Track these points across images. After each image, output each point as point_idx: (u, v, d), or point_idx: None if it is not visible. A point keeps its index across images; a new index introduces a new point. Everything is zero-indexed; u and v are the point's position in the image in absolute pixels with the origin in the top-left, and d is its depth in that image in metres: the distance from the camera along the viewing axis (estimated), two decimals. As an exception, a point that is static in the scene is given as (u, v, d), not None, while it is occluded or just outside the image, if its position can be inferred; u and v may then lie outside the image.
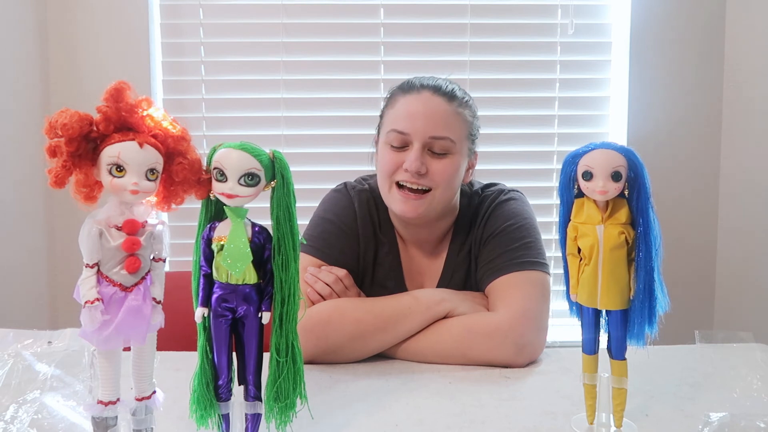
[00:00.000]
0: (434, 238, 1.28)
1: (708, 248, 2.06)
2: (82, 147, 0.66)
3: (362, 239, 1.26)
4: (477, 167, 1.30)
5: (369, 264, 1.27)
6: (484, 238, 1.23)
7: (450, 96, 1.18)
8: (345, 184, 1.32)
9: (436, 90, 1.18)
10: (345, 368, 1.08)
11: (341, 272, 1.19)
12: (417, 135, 1.15)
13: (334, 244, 1.24)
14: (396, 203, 1.18)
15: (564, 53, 2.04)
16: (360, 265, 1.26)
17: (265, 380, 0.76)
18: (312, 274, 1.18)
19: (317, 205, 1.32)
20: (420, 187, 1.16)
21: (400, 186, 1.18)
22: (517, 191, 1.29)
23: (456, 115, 1.18)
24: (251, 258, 0.72)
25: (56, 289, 1.97)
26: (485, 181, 1.34)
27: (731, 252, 2.02)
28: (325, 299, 1.15)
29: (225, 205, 0.73)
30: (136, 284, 0.68)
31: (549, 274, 1.19)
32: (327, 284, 1.16)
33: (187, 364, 0.83)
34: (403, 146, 1.17)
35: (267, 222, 0.75)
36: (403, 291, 1.24)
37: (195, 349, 0.77)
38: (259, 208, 0.77)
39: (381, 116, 1.26)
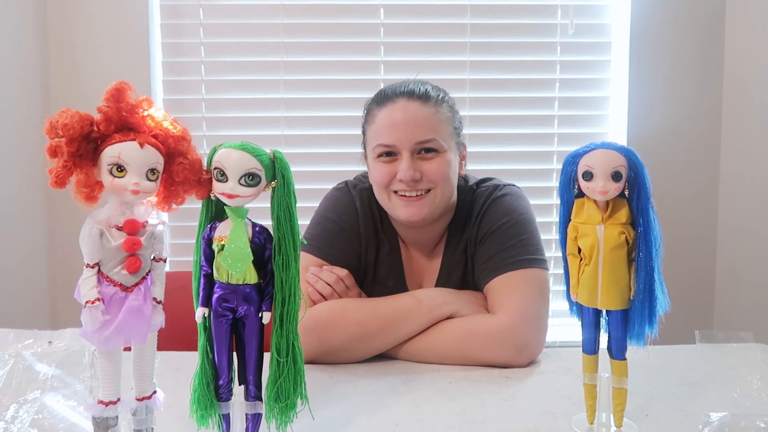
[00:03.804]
0: (433, 238, 1.28)
1: (708, 248, 2.06)
2: (83, 147, 0.66)
3: (364, 238, 1.26)
4: (478, 168, 1.30)
5: (370, 262, 1.27)
6: (480, 237, 1.23)
7: (425, 97, 1.19)
8: (346, 182, 1.33)
9: (410, 95, 1.18)
10: (345, 368, 1.08)
11: (342, 272, 1.19)
12: (403, 144, 1.16)
13: (335, 243, 1.24)
14: (399, 210, 1.19)
15: (564, 53, 2.04)
16: (361, 264, 1.26)
17: (266, 380, 0.76)
18: (313, 273, 1.18)
19: (318, 204, 1.32)
20: (418, 192, 1.17)
21: (397, 193, 1.18)
22: (513, 185, 1.28)
23: (435, 114, 1.18)
24: (252, 258, 0.72)
25: (56, 289, 1.97)
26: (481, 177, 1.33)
27: (731, 252, 2.02)
28: (326, 299, 1.15)
29: (225, 205, 0.73)
30: (136, 284, 0.68)
31: (547, 269, 1.19)
32: (328, 284, 1.17)
33: (188, 364, 0.83)
34: (392, 157, 1.18)
35: (267, 222, 0.75)
36: (403, 289, 1.24)
37: (195, 349, 0.77)
38: (260, 208, 0.77)
39: (363, 133, 1.26)
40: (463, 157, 1.27)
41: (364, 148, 1.27)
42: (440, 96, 1.21)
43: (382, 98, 1.21)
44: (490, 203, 1.24)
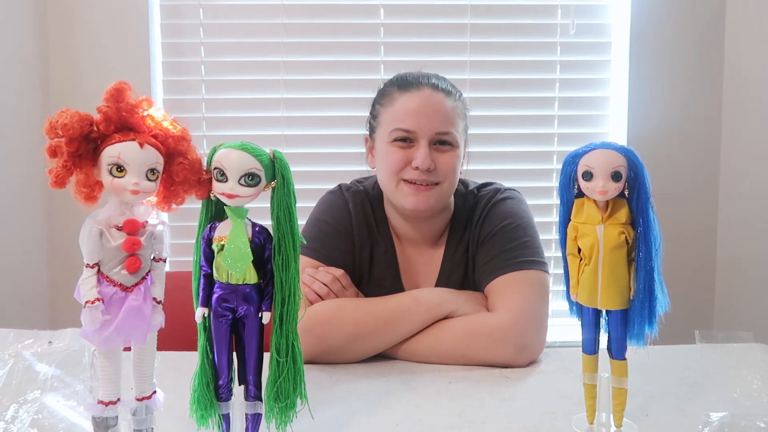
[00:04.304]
0: (432, 235, 1.28)
1: (708, 248, 2.06)
2: (83, 147, 0.66)
3: (357, 238, 1.26)
4: (477, 168, 1.30)
5: (365, 263, 1.27)
6: (482, 238, 1.23)
7: (447, 92, 1.20)
8: (339, 185, 1.33)
9: (435, 87, 1.19)
10: (345, 368, 1.08)
11: (338, 272, 1.19)
12: (423, 132, 1.16)
13: (330, 244, 1.24)
14: (406, 198, 1.19)
15: (564, 53, 2.04)
16: (356, 265, 1.26)
17: (266, 380, 0.76)
18: (309, 274, 1.18)
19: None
20: (428, 183, 1.17)
21: (406, 180, 1.19)
22: (514, 190, 1.29)
23: (455, 109, 1.20)
24: (251, 258, 0.72)
25: (56, 289, 1.97)
26: (482, 181, 1.34)
27: (731, 252, 2.02)
28: (323, 299, 1.15)
29: (225, 205, 0.73)
30: (136, 284, 0.68)
31: (547, 272, 1.19)
32: (324, 284, 1.17)
33: (188, 364, 0.83)
34: (408, 143, 1.18)
35: (267, 222, 0.75)
36: (400, 290, 1.25)
37: (195, 349, 0.77)
38: (259, 208, 0.77)
39: (374, 115, 1.26)
40: (465, 154, 1.27)
41: (372, 130, 1.26)
42: (458, 94, 1.23)
43: (405, 83, 1.21)
44: (492, 206, 1.25)
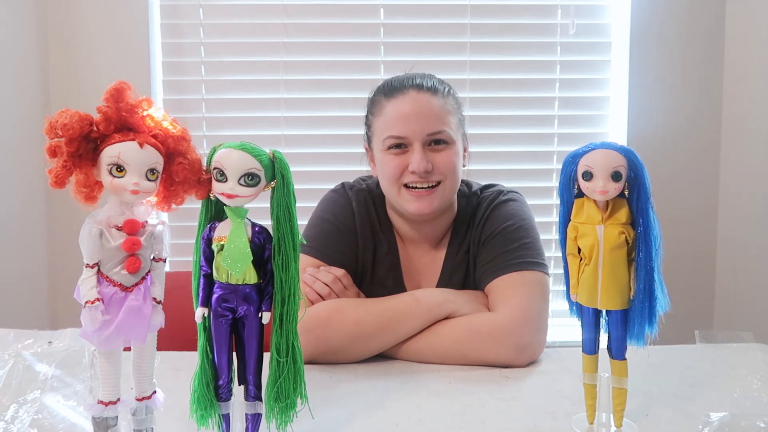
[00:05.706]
0: (435, 236, 1.28)
1: (708, 248, 2.05)
2: (83, 147, 0.66)
3: (361, 238, 1.26)
4: (477, 168, 1.30)
5: (368, 263, 1.27)
6: (483, 239, 1.23)
7: (433, 90, 1.20)
8: (343, 184, 1.33)
9: (420, 87, 1.19)
10: (345, 368, 1.08)
11: (339, 272, 1.19)
12: (415, 136, 1.16)
13: (332, 243, 1.24)
14: (409, 204, 1.19)
15: (564, 53, 2.04)
16: (359, 264, 1.26)
17: (266, 380, 0.76)
18: (310, 274, 1.18)
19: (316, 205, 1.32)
20: (429, 184, 1.17)
21: (407, 186, 1.19)
22: (516, 192, 1.30)
23: (444, 106, 1.19)
24: (251, 258, 0.72)
25: (56, 289, 1.97)
26: (484, 182, 1.34)
27: (731, 252, 2.02)
28: (324, 299, 1.15)
29: (225, 205, 0.73)
30: (136, 284, 0.68)
31: (548, 274, 1.19)
32: (326, 284, 1.17)
33: (188, 364, 0.83)
34: (402, 149, 1.18)
35: (267, 222, 0.75)
36: (402, 290, 1.25)
37: (195, 349, 0.77)
38: (259, 208, 0.77)
39: (368, 124, 1.26)
40: (466, 149, 1.28)
41: (368, 140, 1.27)
42: (447, 89, 1.23)
43: (391, 89, 1.21)
44: (494, 207, 1.25)
